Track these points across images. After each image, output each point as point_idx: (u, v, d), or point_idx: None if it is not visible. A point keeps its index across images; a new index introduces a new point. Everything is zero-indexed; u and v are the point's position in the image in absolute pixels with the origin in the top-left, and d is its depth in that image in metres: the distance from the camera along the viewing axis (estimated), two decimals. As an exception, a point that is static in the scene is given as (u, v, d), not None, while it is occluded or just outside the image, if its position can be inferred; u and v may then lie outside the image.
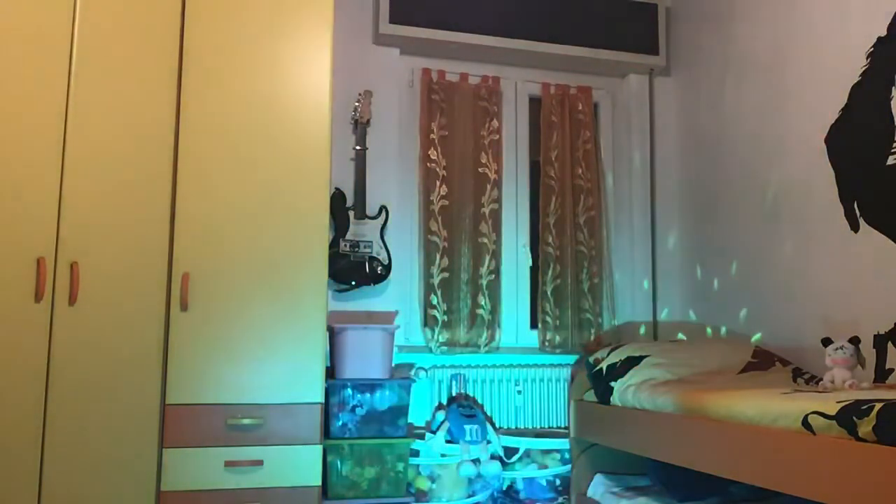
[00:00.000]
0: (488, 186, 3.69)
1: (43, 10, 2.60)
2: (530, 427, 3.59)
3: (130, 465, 2.54)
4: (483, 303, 3.61)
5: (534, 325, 3.76)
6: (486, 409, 3.54)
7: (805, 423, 1.82)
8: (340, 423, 2.99)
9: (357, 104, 3.44)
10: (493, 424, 3.49)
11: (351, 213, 3.38)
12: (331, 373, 3.05)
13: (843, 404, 1.74)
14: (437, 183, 3.62)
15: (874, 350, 2.61)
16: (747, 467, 2.00)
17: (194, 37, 2.75)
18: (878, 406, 1.65)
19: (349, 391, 3.01)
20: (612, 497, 3.01)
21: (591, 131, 3.87)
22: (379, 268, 3.37)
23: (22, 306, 2.49)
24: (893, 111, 2.58)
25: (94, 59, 2.64)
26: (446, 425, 3.29)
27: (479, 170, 3.70)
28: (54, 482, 2.47)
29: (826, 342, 2.55)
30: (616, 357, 3.00)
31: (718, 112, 3.58)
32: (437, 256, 3.57)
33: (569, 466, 3.32)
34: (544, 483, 3.33)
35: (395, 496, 2.97)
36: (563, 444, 3.32)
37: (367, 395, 3.03)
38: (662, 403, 2.50)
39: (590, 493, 3.20)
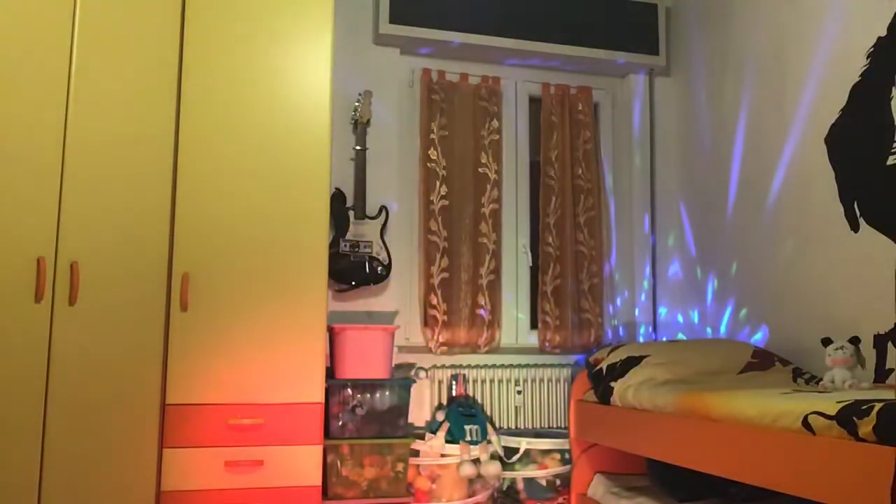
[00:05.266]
0: (488, 186, 3.69)
1: (43, 11, 2.60)
2: (530, 427, 3.60)
3: (130, 465, 2.55)
4: (483, 303, 3.61)
5: (534, 325, 3.76)
6: (486, 409, 3.54)
7: (805, 423, 1.82)
8: (340, 423, 2.99)
9: (357, 104, 3.44)
10: (493, 424, 3.49)
11: (351, 213, 3.38)
12: (331, 373, 3.05)
13: (843, 404, 1.74)
14: (437, 183, 3.62)
15: (874, 350, 2.61)
16: (747, 467, 2.00)
17: (195, 37, 2.75)
18: (878, 406, 1.65)
19: (349, 391, 3.01)
20: (612, 497, 3.02)
21: (591, 131, 3.87)
22: (379, 268, 3.36)
23: (22, 306, 2.49)
24: (893, 111, 2.58)
25: (94, 59, 2.64)
26: (446, 425, 3.29)
27: (479, 170, 3.70)
28: (54, 482, 2.47)
29: (826, 342, 2.55)
30: (616, 357, 3.00)
31: (718, 112, 3.58)
32: (437, 256, 3.57)
33: (569, 466, 3.31)
34: (544, 483, 3.33)
35: (395, 496, 2.97)
36: (563, 444, 3.32)
37: (367, 395, 3.03)
38: (662, 403, 2.50)
39: (590, 493, 3.20)
